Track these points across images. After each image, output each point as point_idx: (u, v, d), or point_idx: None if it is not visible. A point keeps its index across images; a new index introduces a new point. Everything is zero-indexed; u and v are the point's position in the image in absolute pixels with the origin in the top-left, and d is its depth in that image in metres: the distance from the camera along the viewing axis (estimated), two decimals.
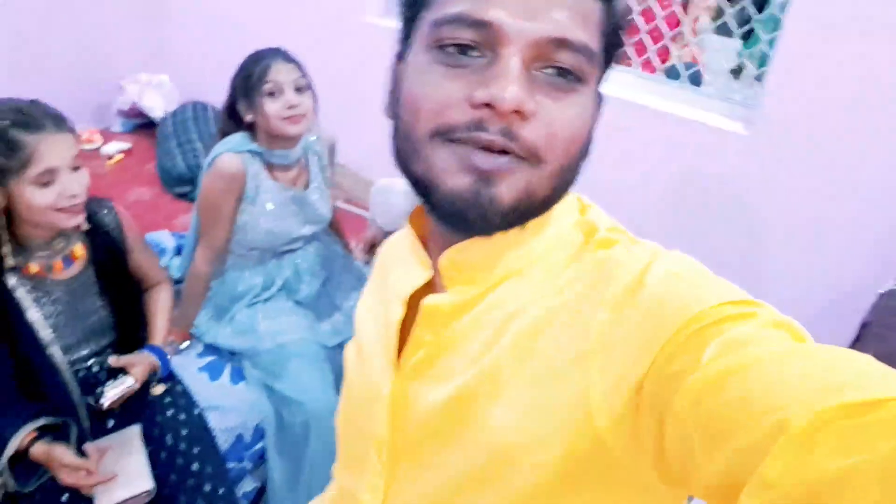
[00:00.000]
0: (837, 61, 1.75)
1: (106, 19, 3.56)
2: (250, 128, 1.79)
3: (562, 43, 0.52)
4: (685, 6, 3.08)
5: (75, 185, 1.38)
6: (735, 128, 2.01)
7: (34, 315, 1.43)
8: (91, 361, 1.56)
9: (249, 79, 1.72)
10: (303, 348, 1.83)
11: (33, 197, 1.34)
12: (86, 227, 1.49)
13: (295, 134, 1.76)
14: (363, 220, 2.72)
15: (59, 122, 1.37)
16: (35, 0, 3.27)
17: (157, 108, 3.52)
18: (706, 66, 2.61)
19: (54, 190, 1.35)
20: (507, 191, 0.54)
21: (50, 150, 1.34)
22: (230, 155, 1.78)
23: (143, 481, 1.42)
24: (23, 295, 1.42)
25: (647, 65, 2.36)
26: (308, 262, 2.00)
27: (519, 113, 0.52)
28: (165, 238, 2.41)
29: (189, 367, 1.79)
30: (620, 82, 2.22)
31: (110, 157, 3.39)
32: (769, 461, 0.38)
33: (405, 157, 0.58)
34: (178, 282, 1.98)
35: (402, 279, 0.68)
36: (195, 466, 1.52)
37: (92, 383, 1.53)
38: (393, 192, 2.08)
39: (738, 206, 2.01)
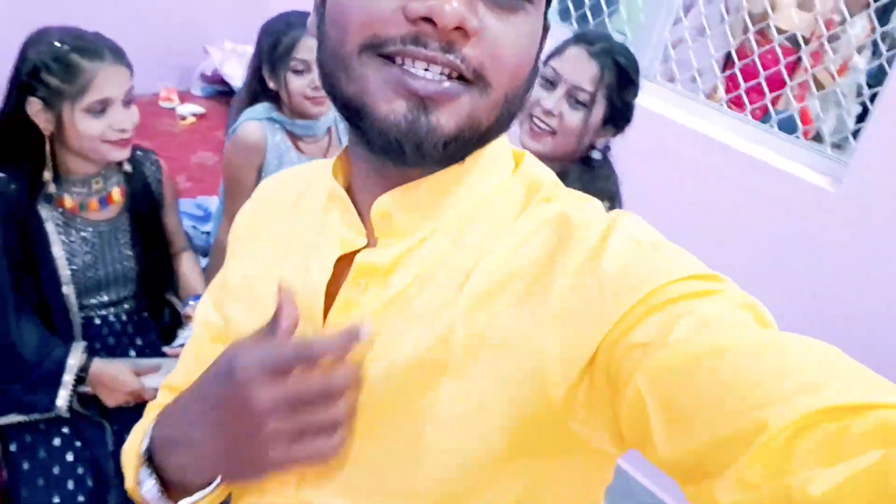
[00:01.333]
0: None
1: None
2: (275, 95, 1.73)
3: None
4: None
5: (125, 119, 1.37)
6: (822, 182, 1.85)
7: (57, 251, 1.41)
8: (106, 311, 1.53)
9: (276, 48, 1.66)
10: None
11: (84, 124, 1.33)
12: (127, 168, 1.48)
13: (316, 114, 1.72)
14: None
15: (117, 54, 1.38)
16: None
17: (237, 76, 3.54)
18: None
19: (105, 121, 1.35)
20: (447, 119, 0.49)
21: (107, 80, 1.34)
22: (251, 123, 1.73)
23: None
24: (51, 228, 1.40)
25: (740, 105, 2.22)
26: None
27: (460, 30, 0.47)
28: (214, 203, 2.40)
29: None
30: (715, 121, 2.09)
31: (184, 118, 3.44)
32: (748, 461, 0.37)
33: (332, 77, 0.51)
34: (204, 254, 1.95)
35: (322, 235, 0.60)
36: None
37: (97, 331, 1.50)
38: None
39: (819, 265, 1.86)
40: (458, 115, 0.49)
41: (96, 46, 1.35)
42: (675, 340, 0.44)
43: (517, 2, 0.49)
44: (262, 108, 1.76)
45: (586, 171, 1.40)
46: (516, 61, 0.50)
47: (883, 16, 2.91)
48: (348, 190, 0.61)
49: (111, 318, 1.53)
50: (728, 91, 2.30)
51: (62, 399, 1.35)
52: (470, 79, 0.49)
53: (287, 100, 1.71)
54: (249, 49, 3.59)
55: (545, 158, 0.75)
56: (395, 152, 0.50)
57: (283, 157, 1.76)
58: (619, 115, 1.41)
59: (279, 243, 0.65)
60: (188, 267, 1.67)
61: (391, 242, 0.56)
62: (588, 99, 1.34)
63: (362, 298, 0.56)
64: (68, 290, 1.43)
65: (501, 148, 0.59)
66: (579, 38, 1.40)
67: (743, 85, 2.13)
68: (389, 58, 0.48)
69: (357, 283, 0.57)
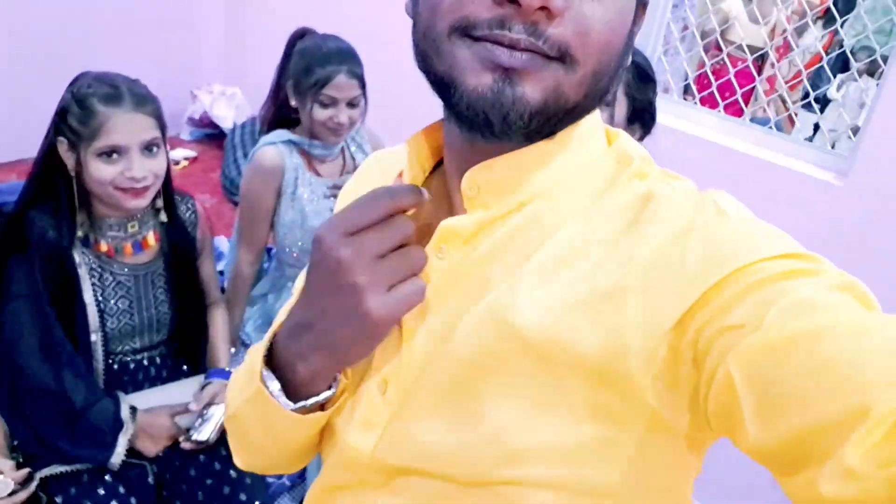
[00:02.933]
0: None
1: (186, 30, 3.64)
2: (295, 112, 1.76)
3: None
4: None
5: (139, 168, 1.34)
6: (827, 177, 1.90)
7: (88, 297, 1.40)
8: (140, 356, 1.52)
9: (307, 77, 1.68)
10: None
11: (95, 168, 1.33)
12: (163, 218, 1.47)
13: (333, 143, 1.76)
14: None
15: (141, 101, 1.37)
16: (119, 2, 3.35)
17: (227, 118, 3.56)
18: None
19: (117, 167, 1.34)
20: (532, 90, 0.49)
21: (119, 126, 1.32)
22: (269, 147, 1.76)
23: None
24: (84, 273, 1.39)
25: (732, 107, 2.28)
26: None
27: (545, 10, 0.47)
28: (223, 243, 2.40)
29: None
30: (709, 125, 2.14)
31: (176, 163, 3.43)
32: (851, 448, 0.36)
33: (425, 55, 0.53)
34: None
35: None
36: (233, 474, 1.45)
37: (130, 377, 1.49)
38: None
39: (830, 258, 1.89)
40: (543, 87, 0.50)
41: (117, 92, 1.34)
42: (771, 324, 0.43)
43: None
44: (277, 133, 1.79)
45: None
46: (604, 38, 0.50)
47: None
48: (440, 164, 0.63)
49: (145, 362, 1.52)
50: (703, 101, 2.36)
51: (118, 456, 1.34)
52: (553, 56, 0.49)
53: (308, 124, 1.74)
54: (238, 91, 3.63)
55: None
56: (483, 124, 0.51)
57: (299, 178, 1.77)
58: (642, 113, 1.43)
59: None
60: (218, 326, 1.66)
61: (477, 212, 0.57)
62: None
63: (441, 263, 0.58)
64: (96, 337, 1.41)
65: (593, 125, 0.59)
66: None
67: (715, 90, 2.18)
68: (477, 40, 0.50)
69: (438, 247, 0.58)
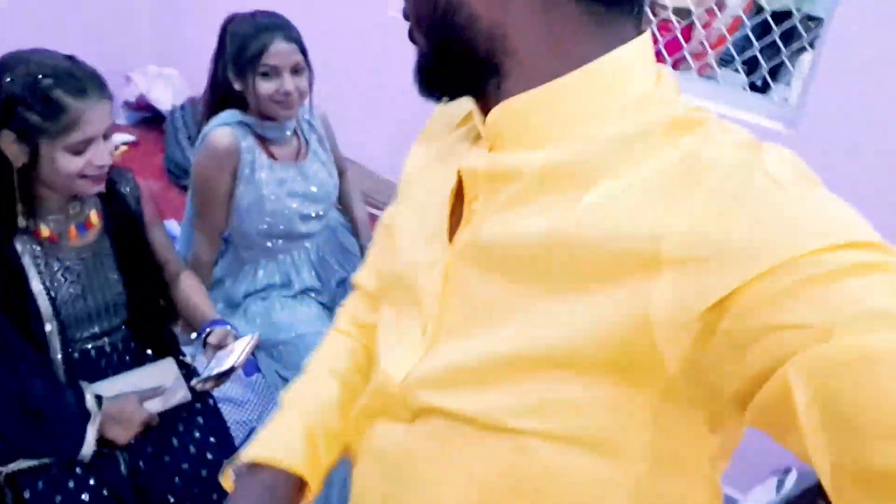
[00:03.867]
0: (887, 58, 1.69)
1: (115, 10, 3.49)
2: (240, 99, 1.69)
3: None
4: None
5: (105, 155, 1.30)
6: (776, 126, 1.94)
7: (36, 286, 1.33)
8: (100, 342, 1.46)
9: (243, 52, 1.61)
10: (321, 340, 1.72)
11: (64, 162, 1.26)
12: (101, 190, 1.39)
13: (285, 118, 1.69)
14: None
15: (101, 87, 1.30)
16: None
17: (164, 100, 3.43)
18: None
19: (85, 158, 1.27)
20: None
21: (92, 118, 1.26)
22: (221, 128, 1.68)
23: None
24: (28, 262, 1.32)
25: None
26: (321, 252, 1.89)
27: None
28: (174, 227, 2.32)
29: (200, 358, 1.68)
30: None
31: (116, 148, 3.29)
32: None
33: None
34: None
35: (459, 146, 0.64)
36: (209, 455, 1.42)
37: (92, 365, 1.43)
38: None
39: None
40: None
41: (82, 82, 1.26)
42: (841, 335, 0.39)
43: None
44: (228, 114, 1.71)
45: None
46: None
47: None
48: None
49: (107, 348, 1.46)
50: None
51: (88, 447, 1.29)
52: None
53: (255, 103, 1.67)
54: (175, 72, 3.51)
55: None
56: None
57: (255, 161, 1.71)
58: None
59: (434, 151, 0.69)
60: (192, 289, 1.59)
61: (503, 152, 0.57)
62: None
63: (476, 205, 0.59)
64: (51, 326, 1.35)
65: (626, 62, 0.54)
66: None
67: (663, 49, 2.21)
68: None
69: (468, 190, 0.60)
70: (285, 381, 1.66)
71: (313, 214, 1.81)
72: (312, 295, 1.84)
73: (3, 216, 1.29)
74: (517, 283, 0.54)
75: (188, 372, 1.52)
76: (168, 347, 1.56)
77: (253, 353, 1.70)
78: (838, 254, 0.41)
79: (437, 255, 0.61)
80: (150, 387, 1.42)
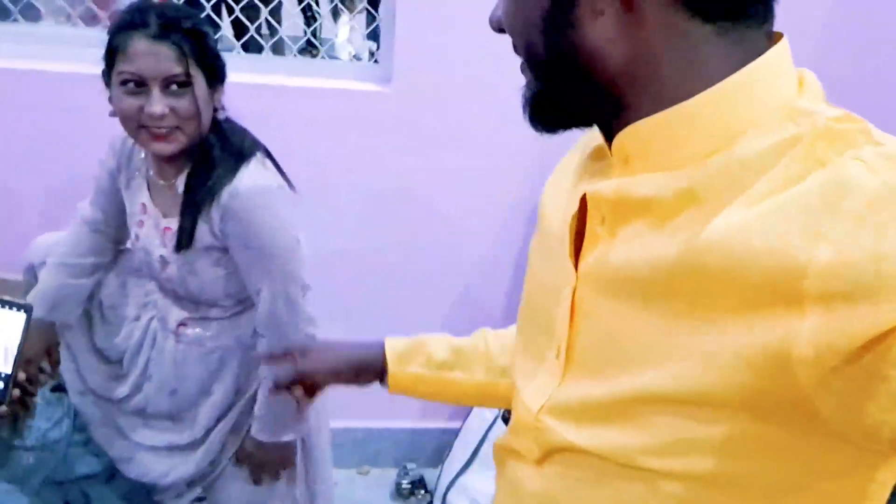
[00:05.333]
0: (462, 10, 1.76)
1: None
2: None
3: None
4: None
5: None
6: (370, 87, 1.93)
7: None
8: None
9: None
10: None
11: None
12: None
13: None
14: None
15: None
16: None
17: None
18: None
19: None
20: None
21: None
22: None
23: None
24: None
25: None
26: None
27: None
28: None
29: None
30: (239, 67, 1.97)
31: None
32: None
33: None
34: None
35: (584, 166, 0.65)
36: None
37: None
38: None
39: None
40: None
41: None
42: None
43: None
44: None
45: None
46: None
47: None
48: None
49: None
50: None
51: None
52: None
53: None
54: None
55: None
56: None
57: None
58: None
59: (566, 178, 0.68)
60: None
61: (630, 177, 0.55)
62: None
63: (601, 230, 0.57)
64: None
65: (763, 73, 0.50)
66: None
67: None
68: None
69: (592, 214, 0.58)
70: None
71: None
72: None
73: None
74: (648, 312, 0.52)
75: None
76: None
77: None
78: None
79: (563, 279, 0.61)
80: None
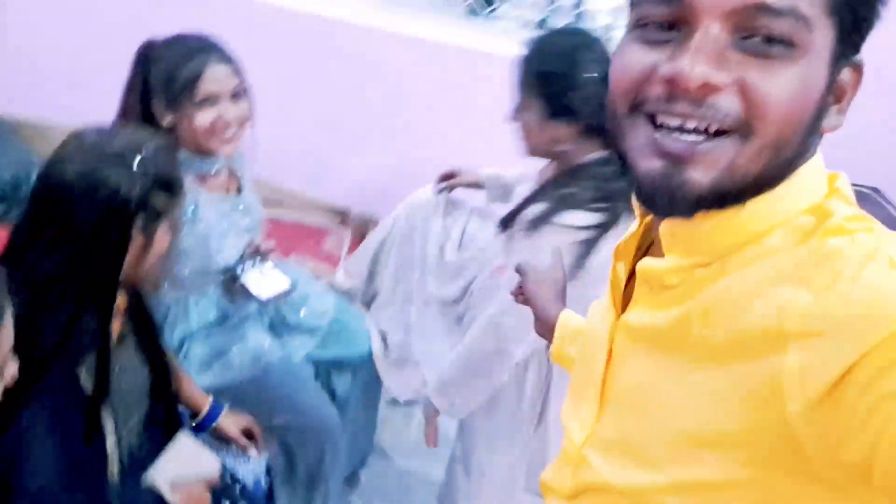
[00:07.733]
0: None
1: None
2: (169, 132, 1.46)
3: (760, 8, 0.49)
4: None
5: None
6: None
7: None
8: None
9: (173, 82, 1.42)
10: (288, 367, 1.65)
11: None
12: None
13: (228, 153, 1.52)
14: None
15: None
16: None
17: None
18: None
19: None
20: (701, 174, 0.52)
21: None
22: None
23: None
24: None
25: None
26: None
27: (707, 86, 0.50)
28: None
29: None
30: None
31: None
32: None
33: (614, 135, 0.59)
34: None
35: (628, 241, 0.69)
36: None
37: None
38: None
39: None
40: (713, 169, 0.52)
41: None
42: None
43: (779, 50, 0.50)
44: None
45: None
46: (781, 110, 0.50)
47: None
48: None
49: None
50: None
51: None
52: (728, 129, 0.51)
53: (192, 138, 1.48)
54: None
55: None
56: (650, 204, 0.56)
57: (198, 199, 1.52)
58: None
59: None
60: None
61: (672, 258, 0.59)
62: None
63: (648, 297, 0.62)
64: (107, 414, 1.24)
65: (800, 185, 0.56)
66: None
67: None
68: (652, 116, 0.54)
69: (641, 284, 0.64)
70: (267, 427, 1.56)
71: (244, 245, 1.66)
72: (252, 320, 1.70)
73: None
74: (667, 361, 0.58)
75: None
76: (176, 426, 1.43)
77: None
78: None
79: (607, 325, 0.67)
80: (193, 466, 1.32)
